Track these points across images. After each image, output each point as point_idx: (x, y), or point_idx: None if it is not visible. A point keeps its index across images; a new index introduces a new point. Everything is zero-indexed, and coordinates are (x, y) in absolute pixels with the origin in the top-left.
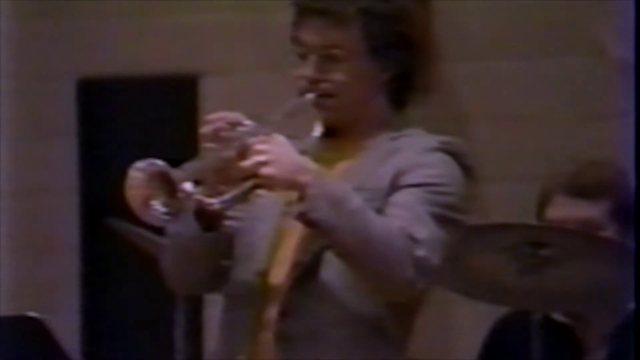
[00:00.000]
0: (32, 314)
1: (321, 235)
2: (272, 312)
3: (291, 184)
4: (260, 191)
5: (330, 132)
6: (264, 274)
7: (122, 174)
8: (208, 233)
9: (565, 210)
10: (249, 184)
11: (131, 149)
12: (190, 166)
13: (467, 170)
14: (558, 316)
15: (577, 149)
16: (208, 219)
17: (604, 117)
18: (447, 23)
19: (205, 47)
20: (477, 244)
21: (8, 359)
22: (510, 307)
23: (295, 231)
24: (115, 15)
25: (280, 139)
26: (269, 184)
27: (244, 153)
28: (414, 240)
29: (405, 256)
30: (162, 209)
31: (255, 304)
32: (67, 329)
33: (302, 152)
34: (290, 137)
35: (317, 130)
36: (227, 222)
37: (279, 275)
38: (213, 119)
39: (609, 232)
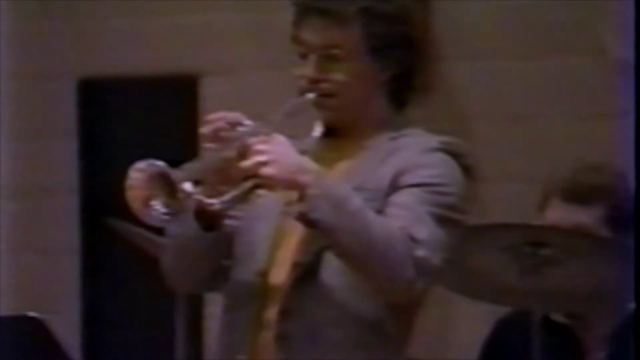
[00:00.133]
0: (32, 313)
1: (321, 235)
2: (272, 312)
3: (291, 184)
4: (260, 191)
5: (330, 132)
6: (263, 274)
7: (122, 174)
8: (208, 233)
9: (559, 214)
10: (249, 184)
11: (131, 149)
12: (190, 166)
13: (467, 170)
14: (558, 317)
15: (577, 149)
16: (208, 219)
17: (604, 117)
18: (447, 23)
19: (206, 47)
20: (477, 244)
21: (8, 359)
22: (511, 307)
23: (296, 231)
24: (115, 15)
25: (280, 139)
26: (269, 184)
27: (244, 153)
28: (414, 240)
29: (406, 257)
30: (162, 210)
31: (255, 304)
32: (68, 329)
33: (303, 152)
34: (290, 136)
35: (318, 130)
36: (227, 222)
37: (279, 275)
38: (213, 119)
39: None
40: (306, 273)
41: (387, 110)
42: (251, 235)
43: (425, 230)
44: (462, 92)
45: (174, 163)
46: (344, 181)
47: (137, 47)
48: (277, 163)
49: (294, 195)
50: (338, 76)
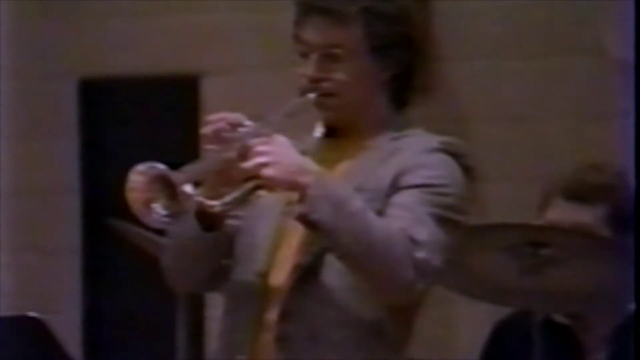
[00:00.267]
0: (33, 313)
1: (321, 236)
2: (272, 314)
3: (292, 185)
4: (261, 192)
5: (331, 132)
6: (264, 276)
7: (123, 174)
8: (208, 233)
9: (561, 214)
10: (249, 185)
11: (132, 149)
12: (191, 168)
13: (467, 170)
14: (558, 317)
15: (577, 149)
16: (208, 219)
17: (604, 117)
18: (447, 23)
19: (206, 47)
20: (477, 244)
21: (9, 359)
22: (511, 307)
23: (296, 232)
24: (116, 15)
25: (281, 139)
26: (270, 185)
27: (244, 154)
28: (414, 241)
29: (406, 258)
30: (163, 212)
31: (255, 305)
32: (68, 329)
33: (303, 152)
34: (291, 136)
35: (318, 131)
36: (228, 221)
37: (280, 276)
38: (214, 119)
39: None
40: (306, 274)
41: (388, 110)
42: (252, 235)
43: (425, 231)
44: (462, 92)
45: (175, 164)
46: (344, 182)
47: (138, 48)
48: (278, 164)
49: (294, 195)
50: (339, 75)
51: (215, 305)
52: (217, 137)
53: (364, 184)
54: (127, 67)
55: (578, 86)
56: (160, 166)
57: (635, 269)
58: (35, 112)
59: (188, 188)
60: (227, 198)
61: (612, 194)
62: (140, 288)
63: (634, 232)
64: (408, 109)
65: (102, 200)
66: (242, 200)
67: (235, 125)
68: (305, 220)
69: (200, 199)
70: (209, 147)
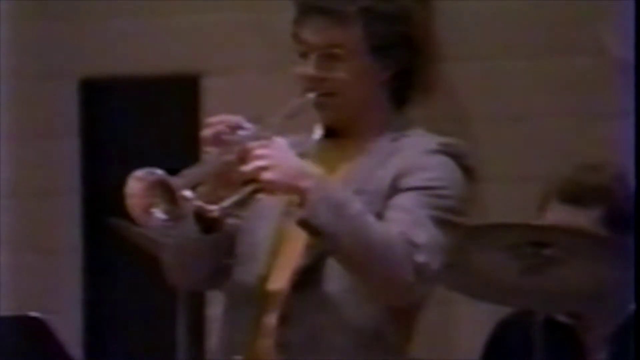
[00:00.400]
0: (34, 313)
1: (321, 241)
2: (271, 318)
3: (291, 189)
4: (260, 195)
5: (330, 133)
6: (263, 279)
7: (124, 174)
8: (208, 235)
9: (557, 216)
10: (249, 188)
11: (132, 148)
12: (190, 172)
13: (467, 171)
14: (559, 317)
15: (577, 149)
16: (207, 221)
17: (604, 117)
18: (448, 23)
19: (207, 47)
20: (478, 244)
21: (9, 359)
22: (512, 306)
23: (296, 232)
24: (116, 15)
25: (280, 143)
26: (270, 189)
27: (244, 157)
28: (413, 245)
29: (406, 262)
30: (163, 216)
31: (255, 307)
32: (69, 329)
33: (302, 154)
34: (292, 133)
35: (317, 133)
36: (229, 220)
37: (280, 280)
38: (213, 122)
39: None
40: (306, 279)
41: (388, 110)
42: (252, 235)
43: (425, 234)
44: (462, 92)
45: (173, 169)
46: (344, 184)
47: (138, 47)
48: (278, 168)
49: (295, 196)
50: (339, 75)
51: (216, 304)
52: (217, 139)
53: (363, 186)
54: (127, 67)
55: (578, 86)
56: (159, 171)
57: (635, 269)
58: (35, 112)
59: (187, 192)
60: (226, 202)
61: (607, 196)
62: (141, 287)
63: (634, 232)
64: (408, 108)
65: (102, 200)
66: (241, 204)
67: (234, 128)
68: (305, 225)
69: (199, 203)
70: (208, 149)
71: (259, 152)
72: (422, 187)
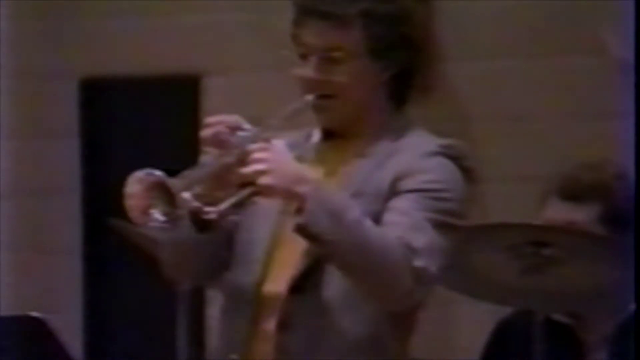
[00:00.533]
0: (34, 313)
1: (319, 247)
2: (270, 323)
3: (289, 195)
4: (257, 199)
5: (329, 135)
6: (260, 281)
7: (124, 174)
8: (204, 234)
9: (556, 212)
10: (246, 192)
11: (133, 148)
12: (189, 174)
13: (467, 173)
14: (559, 316)
15: (577, 149)
16: (203, 220)
17: (604, 117)
18: (447, 23)
19: (207, 46)
20: (478, 244)
21: (11, 359)
22: (512, 306)
23: (293, 233)
24: (116, 15)
25: (279, 146)
26: (267, 193)
27: (243, 160)
28: (412, 249)
29: (404, 267)
30: (161, 218)
31: (252, 310)
32: (69, 329)
33: (301, 156)
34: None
35: (316, 136)
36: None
37: (277, 282)
38: (213, 122)
39: None
40: (305, 282)
41: (387, 111)
42: (250, 233)
43: (423, 238)
44: (462, 92)
45: (172, 170)
46: (343, 186)
47: (139, 47)
48: (276, 172)
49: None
50: (338, 78)
51: (216, 304)
52: (216, 140)
53: (362, 188)
54: (127, 67)
55: (578, 86)
56: (158, 173)
57: (635, 269)
58: (35, 111)
59: (186, 194)
60: (224, 205)
61: (606, 193)
62: (141, 287)
63: (633, 232)
64: (408, 109)
65: (102, 200)
66: (239, 207)
67: (234, 129)
68: (303, 231)
69: (197, 204)
70: (207, 149)
71: (258, 155)
72: (422, 189)
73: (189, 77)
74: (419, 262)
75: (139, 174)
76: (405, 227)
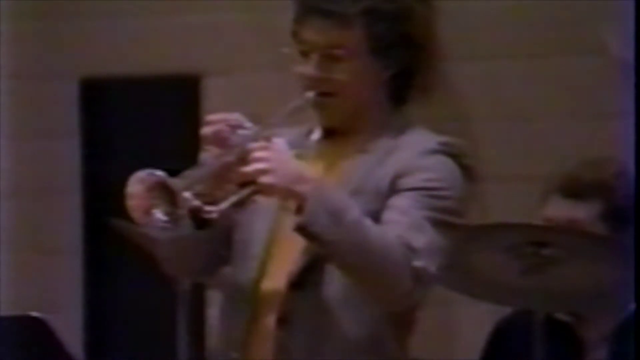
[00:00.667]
0: (35, 313)
1: (319, 247)
2: (269, 320)
3: (290, 194)
4: (257, 197)
5: (329, 133)
6: (259, 277)
7: (124, 174)
8: (202, 231)
9: (557, 210)
10: (247, 191)
11: (133, 148)
12: (190, 174)
13: (466, 171)
14: (560, 315)
15: (577, 149)
16: (202, 218)
17: (604, 117)
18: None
19: (207, 47)
20: (479, 244)
21: (11, 359)
22: (513, 306)
23: (292, 230)
24: (117, 15)
25: (280, 145)
26: (268, 192)
27: (243, 158)
28: (411, 249)
29: (403, 267)
30: (163, 218)
31: (252, 308)
32: (69, 329)
33: (300, 154)
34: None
35: (316, 134)
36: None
37: (276, 278)
38: (213, 120)
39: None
40: (304, 279)
41: (387, 109)
42: (249, 229)
43: (423, 237)
44: (462, 92)
45: (173, 170)
46: (342, 183)
47: (139, 47)
48: (277, 171)
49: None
50: (339, 76)
51: (216, 304)
52: (217, 138)
53: (362, 186)
54: (127, 67)
55: (578, 86)
56: (160, 173)
57: (635, 268)
58: (35, 112)
59: (186, 193)
60: (224, 204)
61: (607, 191)
62: (141, 287)
63: (633, 232)
64: (408, 108)
65: (102, 200)
66: (239, 205)
67: (235, 127)
68: (303, 231)
69: (198, 203)
70: (208, 147)
71: (258, 154)
72: (421, 187)
73: (189, 77)
74: (418, 262)
75: (141, 174)
76: (404, 226)
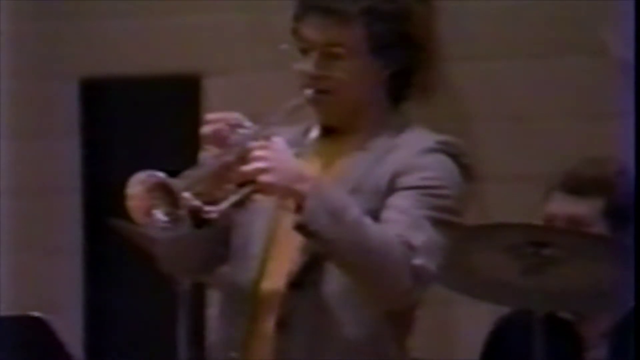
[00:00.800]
0: (35, 313)
1: (318, 245)
2: (269, 321)
3: (290, 193)
4: (257, 196)
5: (328, 131)
6: (258, 277)
7: (124, 174)
8: (201, 230)
9: (559, 206)
10: (247, 190)
11: (133, 148)
12: (190, 174)
13: (465, 170)
14: (560, 313)
15: (577, 149)
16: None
17: (604, 117)
18: (449, 23)
19: (208, 47)
20: (479, 244)
21: (11, 359)
22: (513, 306)
23: (290, 229)
24: (116, 15)
25: (279, 144)
26: (267, 191)
27: (243, 157)
28: (411, 247)
29: (403, 266)
30: (164, 218)
31: (251, 308)
32: (69, 329)
33: (299, 152)
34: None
35: (315, 132)
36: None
37: (275, 278)
38: (213, 119)
39: (598, 229)
40: (303, 278)
41: (386, 108)
42: (247, 228)
43: (422, 236)
44: (462, 92)
45: (173, 171)
46: (341, 182)
47: (139, 47)
48: (276, 170)
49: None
50: (338, 74)
51: (216, 304)
52: (216, 137)
53: (361, 184)
54: (127, 67)
55: (578, 86)
56: (160, 174)
57: (635, 268)
58: (35, 112)
59: (187, 193)
60: (224, 204)
61: (608, 188)
62: (141, 287)
63: (634, 232)
64: (406, 106)
65: (102, 200)
66: (239, 205)
67: (234, 126)
68: (302, 229)
69: (198, 203)
70: (207, 147)
71: (258, 153)
72: (420, 186)
73: (189, 77)
74: (418, 261)
75: (141, 175)
76: (404, 225)
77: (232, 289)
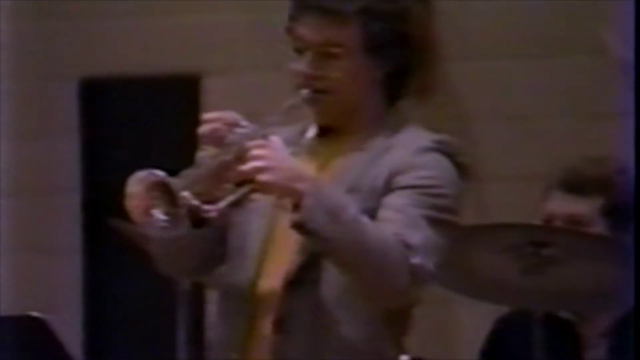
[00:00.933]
0: (34, 313)
1: (316, 244)
2: (266, 321)
3: (288, 192)
4: (255, 196)
5: (325, 130)
6: (255, 277)
7: (123, 174)
8: (198, 230)
9: (558, 205)
10: (245, 189)
11: (132, 149)
12: (189, 174)
13: (461, 169)
14: (559, 313)
15: (578, 149)
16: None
17: (604, 117)
18: (448, 23)
19: (207, 47)
20: (479, 244)
21: (11, 359)
22: (513, 306)
23: (287, 228)
24: (116, 15)
25: (277, 143)
26: (266, 190)
27: (241, 157)
28: (408, 247)
29: (401, 265)
30: (163, 217)
31: (248, 308)
32: (69, 329)
33: (296, 152)
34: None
35: (312, 131)
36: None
37: (272, 278)
38: (210, 118)
39: (598, 228)
40: (300, 278)
41: (382, 108)
42: (244, 227)
43: (419, 235)
44: (462, 92)
45: (172, 170)
46: (336, 181)
47: (139, 47)
48: (274, 169)
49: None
50: (334, 74)
51: (215, 303)
52: (214, 137)
53: (357, 184)
54: (127, 67)
55: (578, 86)
56: (160, 173)
57: (635, 268)
58: (35, 112)
59: (185, 193)
60: (223, 203)
61: (608, 187)
62: (141, 287)
63: (634, 232)
64: (403, 106)
65: (102, 200)
66: (237, 204)
67: (231, 126)
68: (301, 229)
69: (196, 203)
70: (205, 146)
71: (256, 152)
72: (417, 185)
73: (189, 77)
74: (415, 260)
75: (140, 175)
76: (401, 224)
77: (229, 288)
